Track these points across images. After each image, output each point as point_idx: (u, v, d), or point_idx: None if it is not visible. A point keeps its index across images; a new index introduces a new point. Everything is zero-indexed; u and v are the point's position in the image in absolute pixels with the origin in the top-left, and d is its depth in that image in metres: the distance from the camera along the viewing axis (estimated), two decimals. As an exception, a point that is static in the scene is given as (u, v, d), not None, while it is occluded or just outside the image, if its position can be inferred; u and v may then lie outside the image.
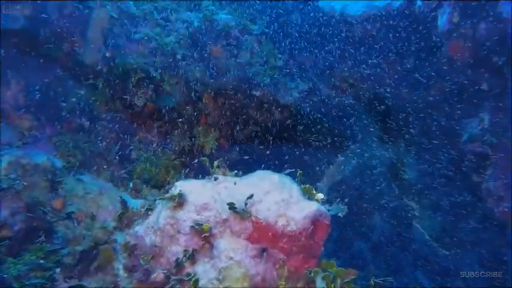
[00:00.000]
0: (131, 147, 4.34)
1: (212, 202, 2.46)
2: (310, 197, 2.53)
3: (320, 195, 2.51)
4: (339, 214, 2.44)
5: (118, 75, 4.19)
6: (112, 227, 2.73)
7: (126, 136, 4.34)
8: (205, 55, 4.59)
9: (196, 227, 2.36)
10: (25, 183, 2.76)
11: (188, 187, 2.61)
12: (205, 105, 4.61)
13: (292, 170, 2.79)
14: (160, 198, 2.54)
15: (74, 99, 3.95)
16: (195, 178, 4.62)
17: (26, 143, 3.71)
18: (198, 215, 2.43)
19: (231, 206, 2.32)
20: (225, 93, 4.65)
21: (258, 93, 5.03)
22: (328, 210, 2.47)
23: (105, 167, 4.02)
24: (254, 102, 5.02)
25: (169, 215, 2.48)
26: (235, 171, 2.84)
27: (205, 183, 2.65)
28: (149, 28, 4.42)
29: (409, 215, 5.66)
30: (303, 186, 2.54)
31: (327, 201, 2.56)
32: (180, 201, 2.49)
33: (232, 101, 4.70)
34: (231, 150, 4.74)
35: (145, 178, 3.95)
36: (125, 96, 4.30)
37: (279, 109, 5.26)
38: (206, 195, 2.51)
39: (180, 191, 2.51)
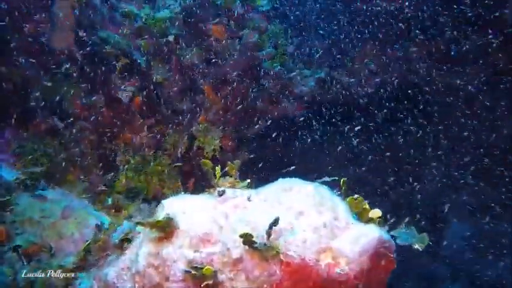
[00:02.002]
0: (115, 151, 3.52)
1: (216, 230, 1.62)
2: (362, 216, 1.69)
3: (377, 212, 1.67)
4: (416, 245, 1.59)
5: (97, 62, 3.37)
6: (74, 265, 1.89)
7: (108, 138, 3.52)
8: (204, 36, 3.76)
9: (193, 271, 1.52)
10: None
11: (180, 207, 1.77)
12: (205, 98, 3.79)
13: (335, 178, 1.95)
14: (138, 223, 1.70)
15: (38, 94, 3.12)
16: (195, 191, 3.84)
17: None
18: (196, 251, 1.59)
19: (247, 239, 1.48)
20: (229, 83, 3.82)
21: (267, 83, 4.21)
22: (392, 237, 1.63)
23: (81, 177, 3.20)
24: (264, 93, 4.19)
25: (152, 252, 1.64)
26: (248, 180, 2.01)
27: (206, 200, 1.81)
28: (135, 4, 3.59)
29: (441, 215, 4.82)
30: (350, 199, 1.70)
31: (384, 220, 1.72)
32: (168, 229, 1.65)
33: (237, 93, 3.87)
34: (237, 152, 3.90)
35: (132, 191, 3.11)
36: (107, 89, 3.49)
37: (293, 101, 4.43)
38: (207, 219, 1.67)
39: (168, 214, 1.67)
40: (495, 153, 4.45)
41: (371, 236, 1.51)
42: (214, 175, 1.95)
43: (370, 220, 1.66)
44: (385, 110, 4.71)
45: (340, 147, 4.78)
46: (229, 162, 2.03)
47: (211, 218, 1.66)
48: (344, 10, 4.68)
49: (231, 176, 1.99)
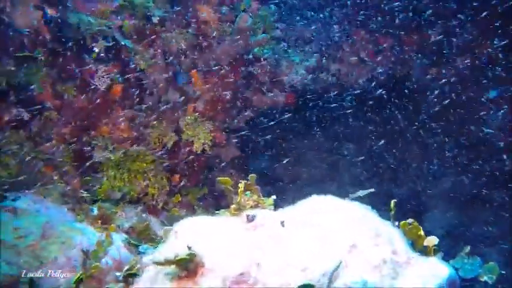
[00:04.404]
0: (92, 146, 3.09)
1: (254, 269, 1.33)
2: (417, 243, 1.47)
3: (433, 240, 1.45)
4: (485, 277, 1.39)
5: (69, 45, 2.90)
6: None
7: (84, 131, 3.08)
8: (192, 19, 3.35)
9: (232, 323, 1.24)
10: None
11: (201, 235, 1.46)
12: (193, 87, 3.41)
13: (371, 190, 1.71)
14: (156, 263, 1.37)
15: (0, 80, 2.62)
16: (182, 190, 3.49)
17: None
18: (231, 297, 1.30)
19: None
20: (219, 70, 3.46)
21: (258, 70, 3.88)
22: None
23: (55, 178, 2.77)
24: (253, 81, 3.88)
25: (174, 296, 1.33)
26: (273, 196, 1.72)
27: (232, 226, 1.51)
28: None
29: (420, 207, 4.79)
30: (403, 224, 1.46)
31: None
32: (191, 266, 1.34)
33: (227, 82, 3.52)
34: (227, 145, 3.58)
35: (115, 193, 2.74)
36: (81, 75, 3.03)
37: (283, 90, 4.14)
38: (240, 254, 1.37)
39: (190, 249, 1.35)
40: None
41: (441, 275, 1.29)
42: (234, 192, 1.65)
43: (426, 249, 1.44)
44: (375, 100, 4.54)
45: (329, 137, 4.59)
46: (251, 175, 1.74)
47: (245, 253, 1.37)
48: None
49: (247, 190, 1.70)
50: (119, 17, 3.03)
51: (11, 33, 2.70)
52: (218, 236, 1.46)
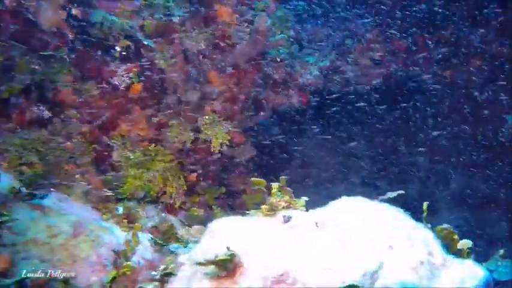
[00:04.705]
0: (112, 145, 3.11)
1: (293, 268, 1.35)
2: (451, 247, 1.48)
3: (467, 243, 1.47)
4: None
5: (91, 44, 2.92)
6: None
7: (104, 130, 3.11)
8: (211, 19, 3.37)
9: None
10: None
11: (235, 233, 1.48)
12: (211, 86, 3.43)
13: (400, 192, 1.73)
14: (198, 263, 1.39)
15: (25, 78, 2.65)
16: (203, 192, 3.50)
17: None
18: (273, 296, 1.32)
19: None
20: (237, 70, 3.47)
21: (273, 71, 3.91)
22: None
23: (77, 176, 2.79)
24: (269, 81, 3.90)
25: (214, 297, 1.35)
26: (305, 198, 1.74)
27: (264, 223, 1.53)
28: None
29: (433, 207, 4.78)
30: (439, 229, 1.48)
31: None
32: (230, 266, 1.36)
33: (245, 81, 3.53)
34: (245, 146, 3.60)
35: (140, 194, 2.76)
36: (101, 74, 3.05)
37: (297, 91, 4.17)
38: (276, 252, 1.39)
39: (229, 250, 1.38)
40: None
41: (477, 277, 1.31)
42: (269, 193, 1.67)
43: (460, 252, 1.46)
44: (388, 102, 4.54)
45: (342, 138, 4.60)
46: (282, 178, 1.75)
47: (283, 253, 1.39)
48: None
49: (280, 191, 1.72)
50: (139, 16, 3.06)
51: (35, 32, 2.73)
52: (254, 236, 1.48)
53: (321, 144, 4.29)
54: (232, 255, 1.35)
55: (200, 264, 1.36)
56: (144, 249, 2.04)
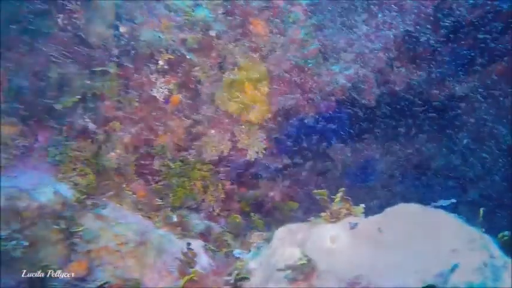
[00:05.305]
0: (153, 155, 3.23)
1: (366, 271, 1.43)
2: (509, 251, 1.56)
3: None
4: None
5: (136, 58, 3.04)
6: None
7: (145, 140, 3.22)
8: (246, 32, 3.48)
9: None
10: (25, 243, 1.65)
11: (305, 239, 1.57)
12: (246, 97, 3.53)
13: (452, 200, 1.81)
14: (278, 269, 1.48)
15: (78, 91, 2.77)
16: (238, 199, 3.59)
17: (11, 159, 2.55)
18: (351, 299, 1.41)
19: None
20: (271, 81, 3.57)
21: (302, 80, 4.00)
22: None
23: (124, 186, 2.90)
24: (300, 91, 3.99)
25: (293, 299, 1.44)
26: (363, 205, 1.83)
27: (331, 230, 1.62)
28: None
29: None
30: (501, 236, 1.56)
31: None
32: (307, 270, 1.45)
33: (279, 91, 3.63)
34: (279, 154, 3.69)
35: (190, 202, 2.86)
36: (143, 86, 3.17)
37: (324, 99, 4.25)
38: (348, 256, 1.48)
39: (305, 255, 1.47)
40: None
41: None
42: (329, 201, 1.76)
43: (520, 257, 1.54)
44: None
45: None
46: (341, 189, 1.85)
47: (354, 257, 1.48)
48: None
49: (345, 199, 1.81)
50: (181, 31, 3.17)
51: (85, 48, 2.85)
52: (324, 242, 1.56)
53: (354, 150, 4.38)
54: (309, 260, 1.44)
55: (279, 269, 1.45)
56: (201, 255, 2.14)
